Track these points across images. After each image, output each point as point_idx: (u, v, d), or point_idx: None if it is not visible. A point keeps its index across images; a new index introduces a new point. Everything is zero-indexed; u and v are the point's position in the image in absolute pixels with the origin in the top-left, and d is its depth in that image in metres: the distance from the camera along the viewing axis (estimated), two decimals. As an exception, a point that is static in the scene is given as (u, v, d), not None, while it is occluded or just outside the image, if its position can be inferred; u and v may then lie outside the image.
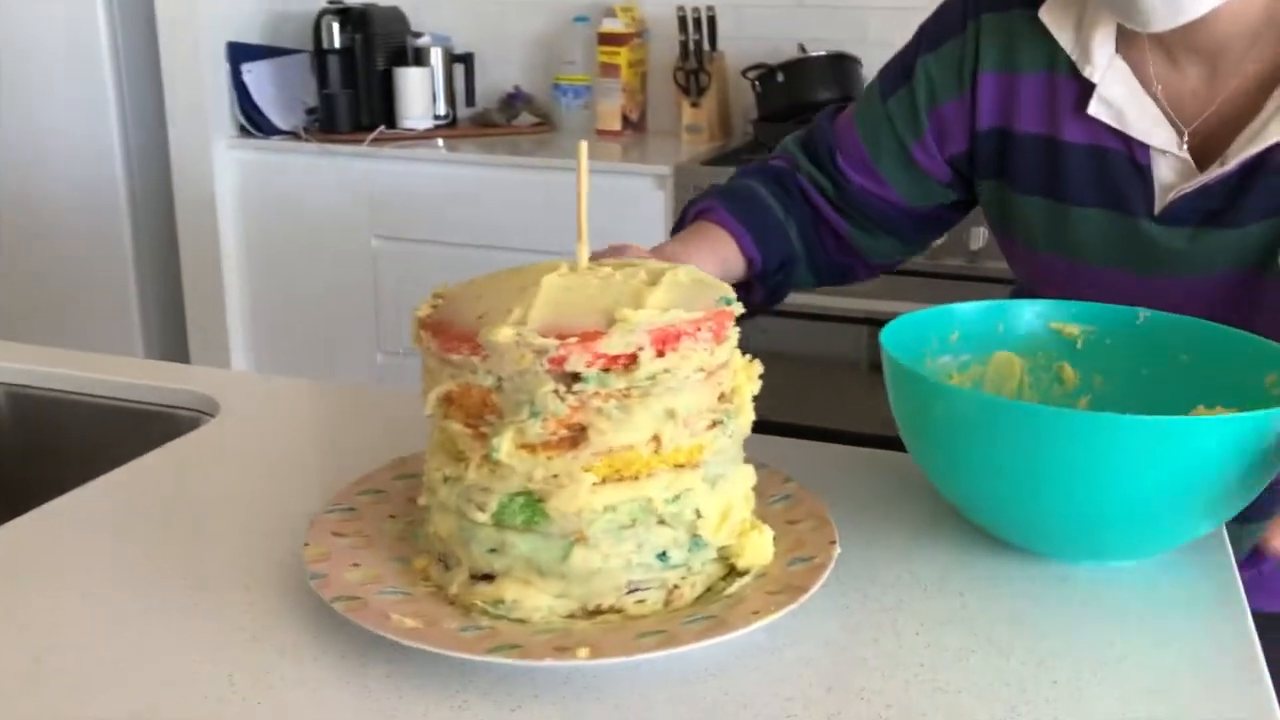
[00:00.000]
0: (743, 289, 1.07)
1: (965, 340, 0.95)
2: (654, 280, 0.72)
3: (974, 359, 0.95)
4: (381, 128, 2.83)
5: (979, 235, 2.25)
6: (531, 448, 0.68)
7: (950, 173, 1.08)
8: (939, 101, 1.05)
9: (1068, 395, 0.95)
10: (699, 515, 0.71)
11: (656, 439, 0.69)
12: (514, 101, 3.02)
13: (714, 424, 0.72)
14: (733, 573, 0.75)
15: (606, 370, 0.67)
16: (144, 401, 1.15)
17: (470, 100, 3.02)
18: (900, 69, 1.08)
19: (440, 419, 0.72)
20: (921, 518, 0.88)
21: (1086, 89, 0.97)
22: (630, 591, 0.71)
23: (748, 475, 0.76)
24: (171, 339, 3.09)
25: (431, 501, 0.74)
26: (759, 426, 0.78)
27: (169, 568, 0.79)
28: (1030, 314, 0.95)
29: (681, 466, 0.71)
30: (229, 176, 2.88)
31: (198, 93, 2.82)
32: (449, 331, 0.70)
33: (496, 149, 2.74)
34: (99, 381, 1.17)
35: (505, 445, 0.68)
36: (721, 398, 0.72)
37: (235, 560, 0.80)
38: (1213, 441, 0.70)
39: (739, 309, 0.73)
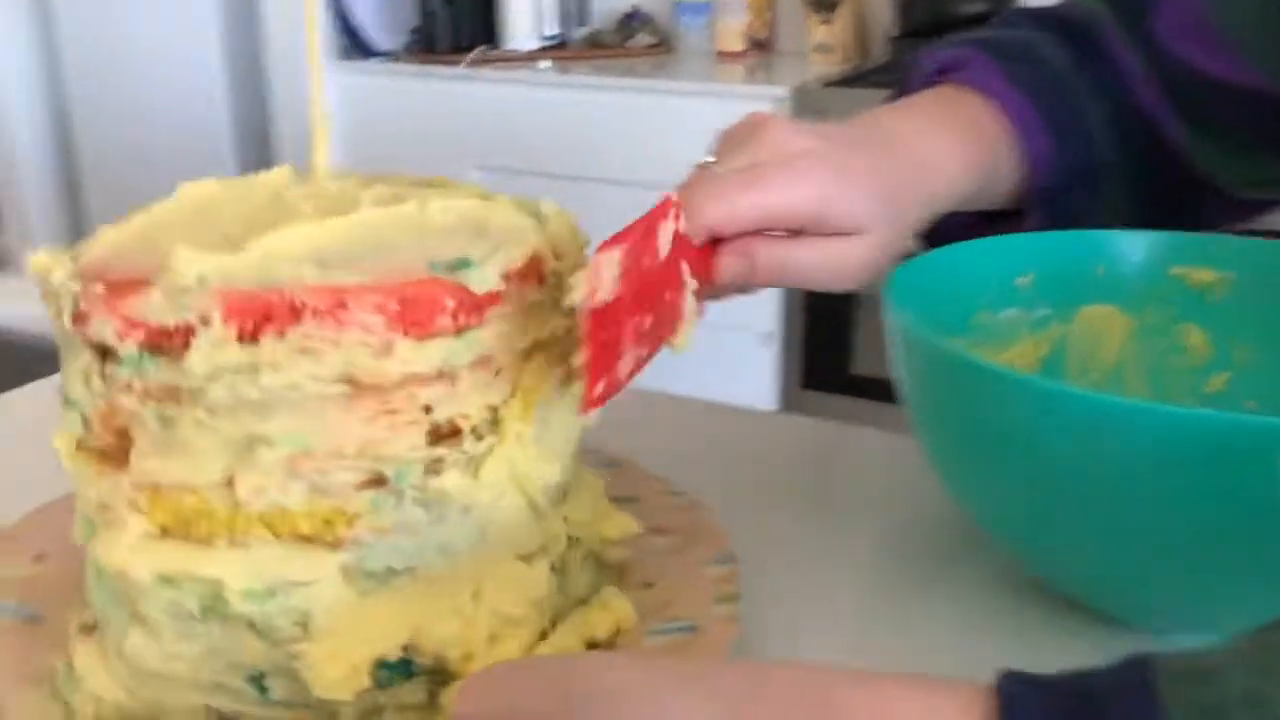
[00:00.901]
0: (1000, 216, 0.68)
1: (1044, 286, 0.65)
2: (423, 211, 0.47)
3: (1055, 315, 0.65)
4: (482, 48, 2.60)
5: None
6: (90, 452, 0.45)
7: None
8: None
9: (1194, 372, 0.65)
10: (304, 632, 0.44)
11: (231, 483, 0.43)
12: (631, 21, 2.75)
13: (372, 481, 0.44)
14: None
15: (152, 351, 0.42)
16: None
17: (583, 20, 2.76)
18: None
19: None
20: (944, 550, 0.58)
21: None
22: None
23: (506, 581, 0.47)
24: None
25: None
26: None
27: None
28: (1143, 249, 0.65)
29: (307, 539, 0.44)
30: (326, 102, 2.70)
31: (296, 8, 2.65)
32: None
33: (609, 72, 2.48)
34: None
35: (62, 440, 0.46)
36: (437, 433, 0.45)
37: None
38: None
39: (477, 286, 0.44)
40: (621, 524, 0.54)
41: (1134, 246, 0.65)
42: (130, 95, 2.91)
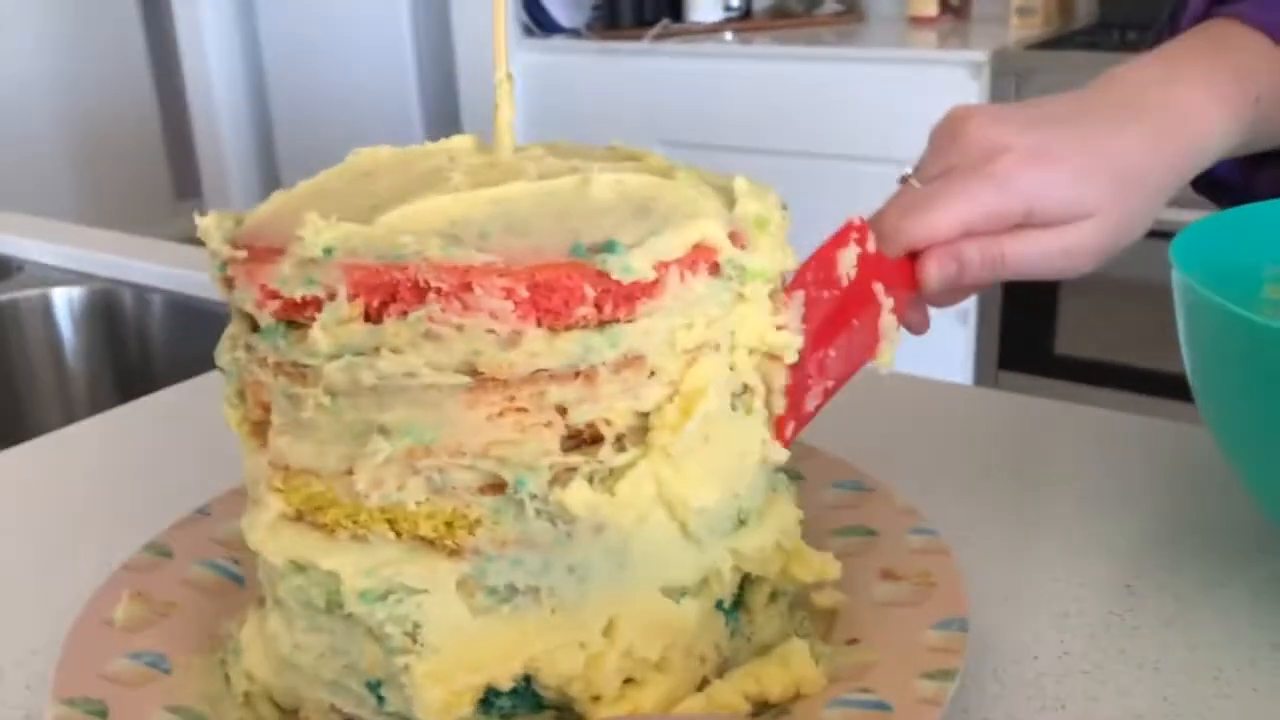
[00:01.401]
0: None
1: None
2: (583, 186, 0.41)
3: None
4: (666, 21, 2.54)
5: None
6: (248, 424, 0.43)
7: None
8: None
9: None
10: (414, 643, 0.39)
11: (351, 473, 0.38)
12: (819, -11, 2.64)
13: (494, 485, 0.38)
14: None
15: (288, 323, 0.38)
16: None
17: (768, -10, 2.67)
18: None
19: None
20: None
21: None
22: None
23: (647, 617, 0.41)
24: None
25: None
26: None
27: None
28: None
29: (428, 541, 0.39)
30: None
31: (482, -13, 2.65)
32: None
33: (794, 42, 2.39)
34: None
35: (229, 410, 0.43)
36: (577, 438, 0.39)
37: None
38: None
39: (622, 274, 0.37)
40: (817, 565, 0.45)
41: None
42: (324, 74, 2.97)
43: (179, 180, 3.85)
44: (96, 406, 1.03)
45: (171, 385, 0.82)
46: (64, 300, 1.06)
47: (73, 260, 1.12)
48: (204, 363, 0.93)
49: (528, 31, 2.70)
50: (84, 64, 3.60)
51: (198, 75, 3.13)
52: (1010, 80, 1.98)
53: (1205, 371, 0.49)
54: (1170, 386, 1.74)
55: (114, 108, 3.70)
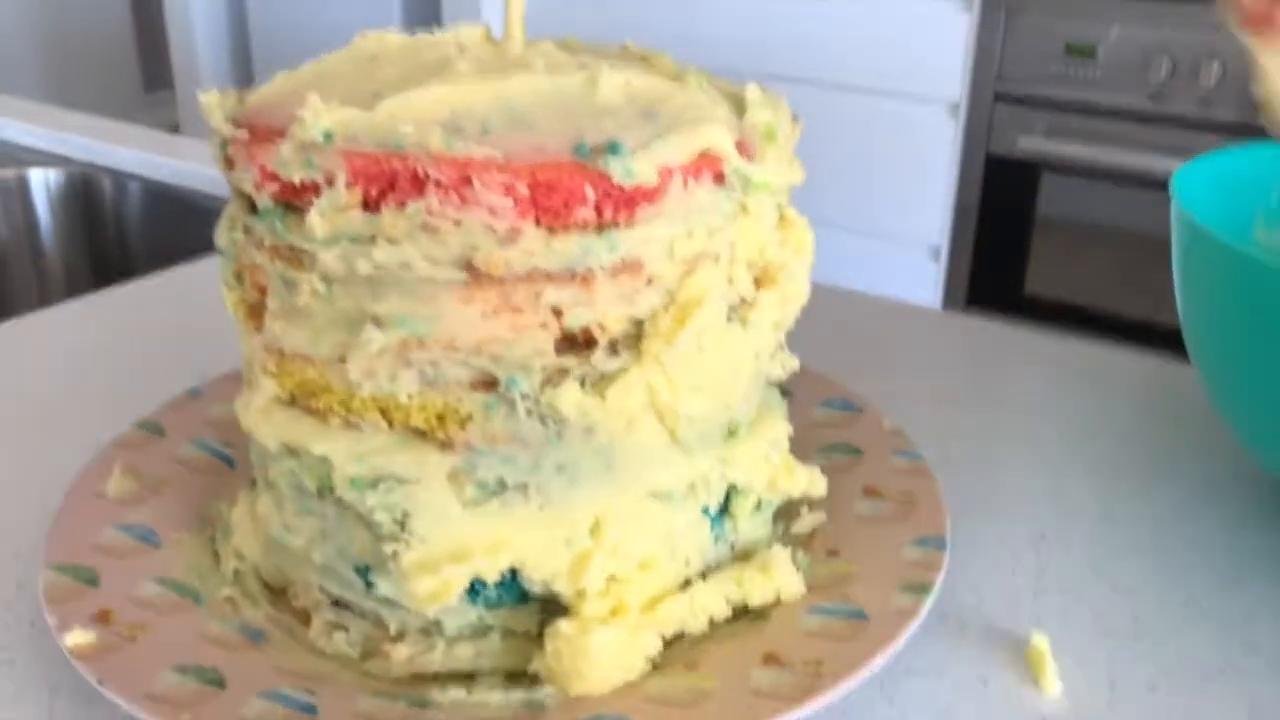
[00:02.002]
0: None
1: None
2: (590, 84, 0.40)
3: None
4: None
5: None
6: (244, 306, 0.43)
7: None
8: None
9: None
10: (403, 531, 0.39)
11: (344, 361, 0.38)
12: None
13: (486, 382, 0.38)
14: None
15: (285, 206, 0.38)
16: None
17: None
18: None
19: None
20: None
21: None
22: (333, 604, 0.44)
23: (634, 519, 0.41)
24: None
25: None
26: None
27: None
28: None
29: (420, 433, 0.39)
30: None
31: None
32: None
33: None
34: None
35: (226, 291, 0.43)
36: (570, 341, 0.39)
37: None
38: None
39: (623, 178, 0.37)
40: (804, 481, 0.46)
41: None
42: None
43: (148, 72, 3.77)
44: (73, 290, 1.03)
45: (148, 272, 0.81)
46: (41, 181, 1.04)
47: (49, 142, 1.10)
48: (181, 251, 0.93)
49: None
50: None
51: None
52: (999, 15, 1.96)
53: (1199, 309, 0.50)
54: (1139, 332, 1.77)
55: (85, -3, 3.60)
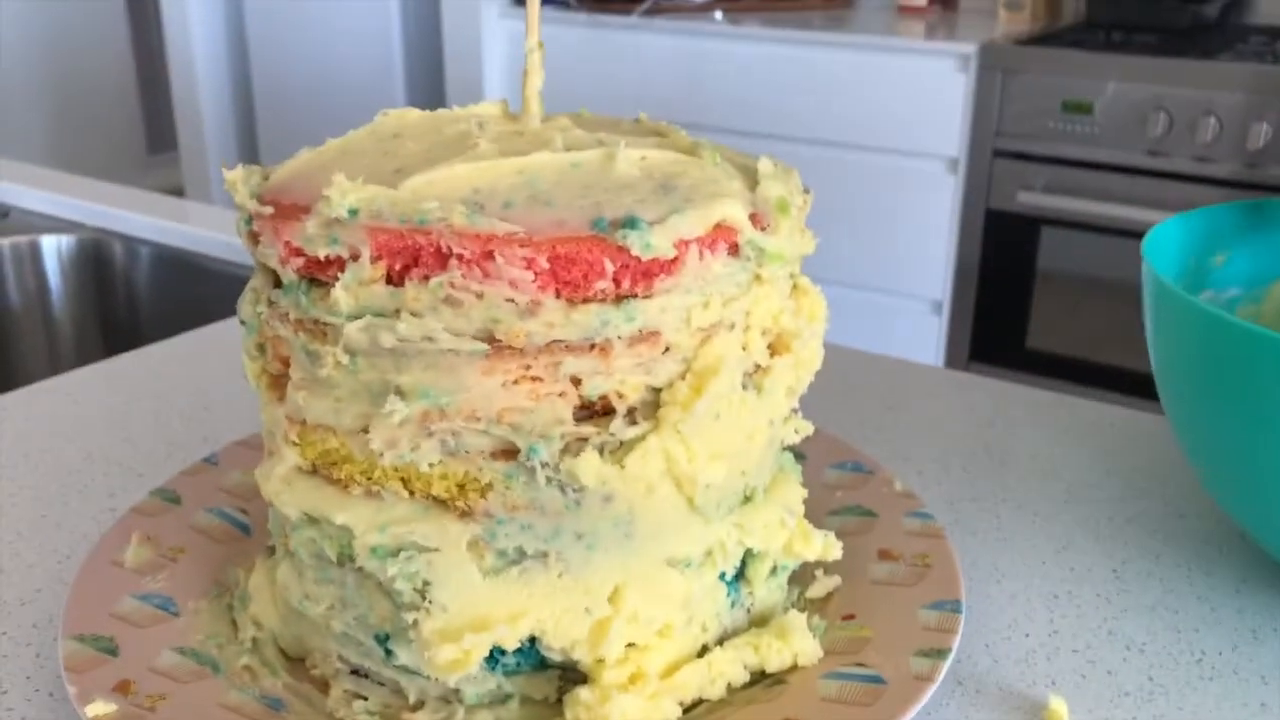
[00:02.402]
0: None
1: (1235, 265, 0.59)
2: (608, 160, 0.41)
3: (1245, 295, 0.60)
4: (655, -3, 2.53)
5: (1261, 132, 1.69)
6: (266, 376, 0.44)
7: None
8: None
9: None
10: (424, 600, 0.40)
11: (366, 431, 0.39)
12: (813, -28, 2.64)
13: (506, 451, 0.39)
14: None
15: (310, 280, 0.39)
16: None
17: (762, -31, 2.66)
18: None
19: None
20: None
21: None
22: (352, 673, 0.44)
23: (652, 587, 0.42)
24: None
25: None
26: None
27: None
28: None
29: (440, 501, 0.40)
30: (497, 48, 2.68)
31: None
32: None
33: (783, 25, 2.39)
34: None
35: (247, 361, 0.44)
36: (589, 409, 0.40)
37: None
38: None
39: (642, 251, 0.37)
40: (819, 545, 0.47)
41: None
42: (305, 32, 2.93)
43: (152, 134, 3.81)
44: (83, 356, 1.03)
45: (158, 337, 0.82)
46: (53, 248, 1.05)
47: (59, 208, 1.11)
48: (191, 316, 0.94)
49: (516, 0, 2.69)
50: (60, 15, 3.54)
51: (177, 25, 3.09)
52: (996, 75, 1.99)
53: (1169, 366, 0.51)
54: (1141, 385, 1.77)
55: (89, 60, 3.65)
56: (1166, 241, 0.55)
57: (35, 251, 1.05)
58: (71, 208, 1.10)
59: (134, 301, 1.05)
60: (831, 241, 2.13)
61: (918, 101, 2.10)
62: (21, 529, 0.57)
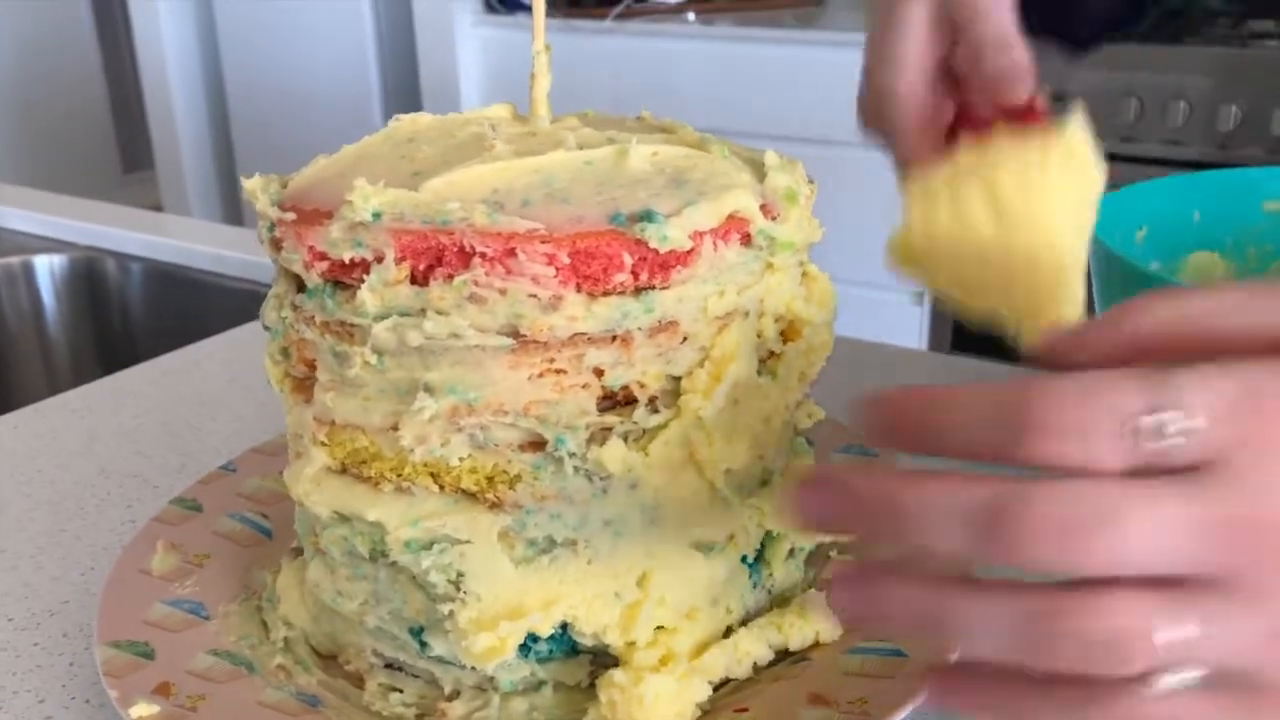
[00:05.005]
0: None
1: (1153, 240, 0.63)
2: (621, 156, 0.42)
3: (1164, 268, 0.63)
4: (628, 1, 2.54)
5: (1230, 114, 1.72)
6: (290, 380, 0.44)
7: None
8: None
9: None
10: (458, 591, 0.41)
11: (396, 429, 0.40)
12: (783, -29, 2.66)
13: (534, 444, 0.40)
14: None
15: (334, 283, 0.40)
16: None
17: (732, -30, 2.68)
18: None
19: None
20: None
21: None
22: (386, 666, 0.45)
23: (678, 570, 0.43)
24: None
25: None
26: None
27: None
28: (1240, 189, 0.63)
29: (470, 494, 0.41)
30: (471, 55, 2.69)
31: (441, -39, 2.64)
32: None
33: (755, 24, 2.41)
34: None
35: (270, 365, 0.44)
36: (612, 400, 0.41)
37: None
38: None
39: (660, 243, 0.39)
40: None
41: (1224, 186, 0.63)
42: (280, 47, 2.93)
43: (126, 154, 3.80)
44: (80, 374, 1.04)
45: (154, 352, 0.83)
46: (45, 267, 1.06)
47: (45, 227, 1.12)
48: (186, 330, 0.94)
49: (489, 8, 2.69)
50: (30, 39, 3.53)
51: (150, 45, 3.08)
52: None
53: None
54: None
55: (60, 82, 3.63)
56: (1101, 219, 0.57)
57: (29, 271, 1.05)
58: (58, 227, 1.10)
59: (128, 317, 1.06)
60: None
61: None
62: (42, 543, 0.58)
